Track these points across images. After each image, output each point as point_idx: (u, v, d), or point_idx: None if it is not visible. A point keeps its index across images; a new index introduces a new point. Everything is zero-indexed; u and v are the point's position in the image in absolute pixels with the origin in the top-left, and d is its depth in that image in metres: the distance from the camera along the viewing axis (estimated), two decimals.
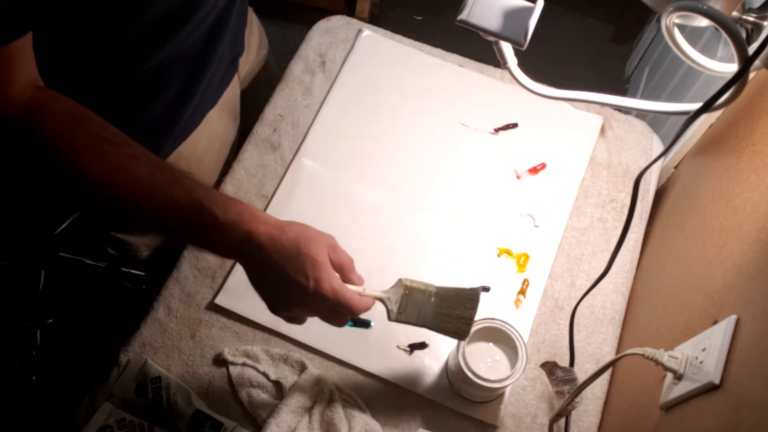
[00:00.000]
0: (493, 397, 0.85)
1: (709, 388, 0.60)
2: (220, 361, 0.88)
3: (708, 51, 0.82)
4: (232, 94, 1.02)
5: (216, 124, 0.99)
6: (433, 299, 0.76)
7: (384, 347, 0.89)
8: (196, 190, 0.67)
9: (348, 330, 0.90)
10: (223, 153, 1.06)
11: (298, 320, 0.73)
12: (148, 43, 0.75)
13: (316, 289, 0.67)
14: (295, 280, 0.67)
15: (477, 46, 1.02)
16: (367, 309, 0.71)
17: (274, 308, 0.71)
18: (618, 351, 0.91)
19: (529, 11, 0.75)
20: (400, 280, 0.76)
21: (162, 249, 1.07)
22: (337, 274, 0.70)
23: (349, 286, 0.71)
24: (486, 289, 0.93)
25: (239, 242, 0.67)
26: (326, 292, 0.67)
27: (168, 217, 0.68)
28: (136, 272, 1.52)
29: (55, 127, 0.65)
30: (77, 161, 0.65)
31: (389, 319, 0.75)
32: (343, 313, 0.70)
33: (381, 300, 0.74)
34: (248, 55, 1.06)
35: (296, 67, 1.08)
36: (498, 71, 1.09)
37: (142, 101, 0.83)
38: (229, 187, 0.98)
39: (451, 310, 0.76)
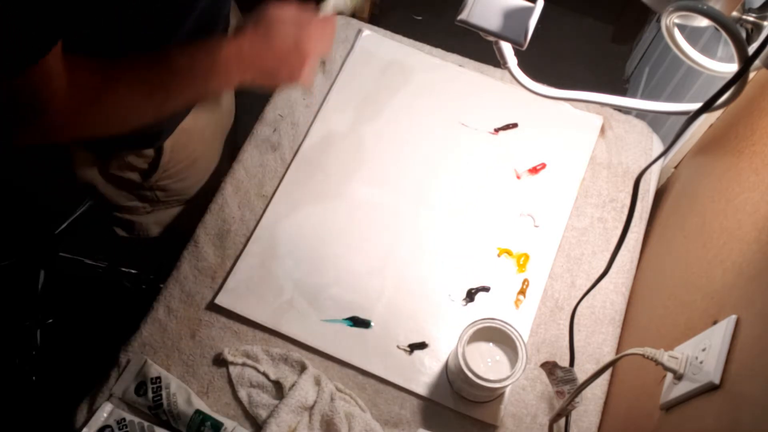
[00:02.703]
0: (493, 397, 0.85)
1: (709, 388, 0.60)
2: (220, 361, 0.88)
3: (708, 51, 0.82)
4: None
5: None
6: None
7: (384, 347, 0.89)
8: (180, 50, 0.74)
9: (348, 330, 0.90)
10: (222, 124, 1.08)
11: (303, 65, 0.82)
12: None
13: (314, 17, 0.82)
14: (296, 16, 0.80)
15: (477, 46, 1.02)
16: None
17: (288, 56, 0.80)
18: (618, 351, 0.91)
19: (529, 11, 0.75)
20: None
21: (173, 226, 1.08)
22: None
23: None
24: (486, 289, 0.93)
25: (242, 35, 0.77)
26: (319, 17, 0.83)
27: (177, 68, 0.74)
28: (134, 271, 1.53)
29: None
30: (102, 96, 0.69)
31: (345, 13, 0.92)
32: (331, 32, 0.86)
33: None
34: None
35: None
36: (498, 71, 1.09)
37: None
38: (229, 187, 0.98)
39: None
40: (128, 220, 1.05)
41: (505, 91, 1.06)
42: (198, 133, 0.99)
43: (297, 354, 0.88)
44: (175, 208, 1.07)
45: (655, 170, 1.02)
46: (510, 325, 0.80)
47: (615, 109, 1.06)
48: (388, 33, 1.12)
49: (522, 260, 0.95)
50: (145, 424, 0.83)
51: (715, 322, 0.64)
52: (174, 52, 0.74)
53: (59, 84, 0.64)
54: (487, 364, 0.81)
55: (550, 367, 0.84)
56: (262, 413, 0.84)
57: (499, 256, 0.95)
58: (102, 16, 0.65)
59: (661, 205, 1.00)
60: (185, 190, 1.04)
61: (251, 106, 1.10)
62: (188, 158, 0.99)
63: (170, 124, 0.92)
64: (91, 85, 0.68)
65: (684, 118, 0.69)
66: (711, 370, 0.60)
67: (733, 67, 0.71)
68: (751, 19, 0.71)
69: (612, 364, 0.73)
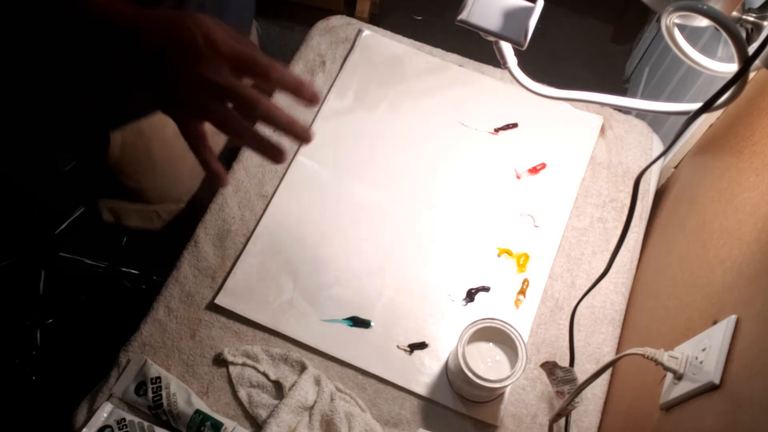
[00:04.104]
0: (493, 397, 0.86)
1: (709, 388, 0.60)
2: (220, 361, 0.88)
3: (708, 51, 0.82)
4: None
5: None
6: None
7: (384, 347, 0.89)
8: None
9: (348, 330, 0.90)
10: None
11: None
12: None
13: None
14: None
15: (477, 46, 1.02)
16: None
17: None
18: (618, 351, 0.91)
19: (529, 11, 0.75)
20: None
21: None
22: None
23: None
24: (486, 289, 0.93)
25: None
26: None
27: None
28: (135, 272, 1.53)
29: None
30: None
31: None
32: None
33: None
34: None
35: (296, 67, 1.08)
36: (498, 71, 1.09)
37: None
38: (229, 187, 0.98)
39: None
40: (96, 200, 1.07)
41: (505, 91, 1.06)
42: (159, 142, 0.97)
43: (297, 354, 0.88)
44: (131, 205, 1.07)
45: (655, 170, 1.02)
46: (510, 325, 0.80)
47: (615, 109, 1.06)
48: (388, 33, 1.12)
49: (522, 260, 0.95)
50: (145, 424, 0.83)
51: (715, 322, 0.64)
52: None
53: None
54: (487, 364, 0.81)
55: (550, 367, 0.84)
56: (262, 413, 0.84)
57: (499, 256, 0.95)
58: None
59: (661, 205, 1.00)
60: (141, 194, 1.04)
61: None
62: (147, 159, 0.99)
63: (119, 116, 0.91)
64: None
65: (684, 118, 0.69)
66: (711, 370, 0.60)
67: (733, 67, 0.71)
68: (751, 19, 0.71)
69: (612, 364, 0.73)
